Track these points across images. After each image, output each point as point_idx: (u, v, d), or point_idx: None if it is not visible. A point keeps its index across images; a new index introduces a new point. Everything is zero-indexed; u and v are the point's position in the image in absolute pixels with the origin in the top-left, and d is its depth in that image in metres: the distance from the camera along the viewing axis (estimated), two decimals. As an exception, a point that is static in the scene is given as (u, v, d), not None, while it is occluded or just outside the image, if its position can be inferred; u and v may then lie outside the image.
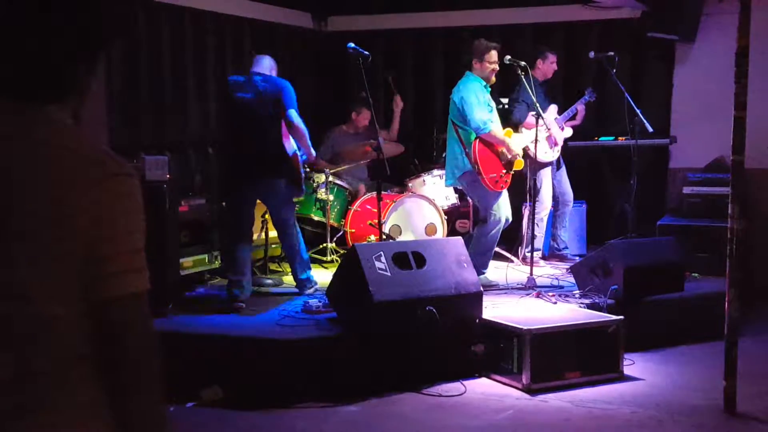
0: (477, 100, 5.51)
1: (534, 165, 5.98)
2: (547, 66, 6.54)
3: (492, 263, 5.91)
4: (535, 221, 6.10)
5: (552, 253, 6.76)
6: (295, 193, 5.32)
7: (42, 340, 1.20)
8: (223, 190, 5.59)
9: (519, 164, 5.78)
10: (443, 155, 6.98)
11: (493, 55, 5.59)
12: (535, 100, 5.69)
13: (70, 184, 1.20)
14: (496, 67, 5.60)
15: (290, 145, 5.15)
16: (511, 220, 5.81)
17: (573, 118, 6.52)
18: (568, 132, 6.54)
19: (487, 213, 5.69)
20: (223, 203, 5.61)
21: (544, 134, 6.12)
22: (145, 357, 1.26)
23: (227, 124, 5.37)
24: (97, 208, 1.20)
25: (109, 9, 1.29)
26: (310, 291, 5.26)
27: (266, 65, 5.22)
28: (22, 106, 1.24)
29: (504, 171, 5.65)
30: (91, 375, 1.24)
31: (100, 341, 1.23)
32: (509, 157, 5.64)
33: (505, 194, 5.70)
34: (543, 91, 6.47)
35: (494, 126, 5.60)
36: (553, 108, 6.43)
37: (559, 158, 6.62)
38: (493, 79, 5.63)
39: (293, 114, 4.98)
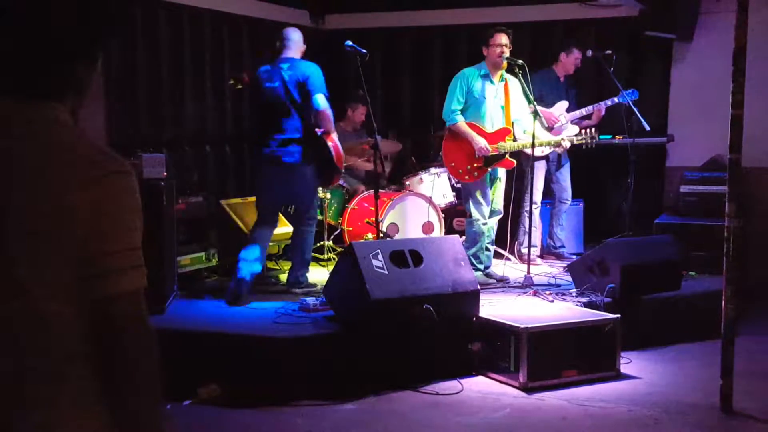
0: (456, 91, 5.68)
1: (527, 159, 6.02)
2: (570, 61, 6.53)
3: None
4: (526, 215, 6.14)
5: (549, 251, 6.77)
6: (322, 182, 5.36)
7: (40, 338, 1.20)
8: (253, 177, 5.63)
9: (507, 164, 5.78)
10: (440, 153, 7.02)
11: (498, 37, 5.66)
12: (532, 98, 5.69)
13: (69, 182, 1.20)
14: (504, 49, 5.64)
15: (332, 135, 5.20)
16: (501, 212, 5.85)
17: (588, 117, 6.44)
18: (573, 129, 6.46)
19: (465, 207, 5.87)
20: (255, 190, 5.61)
21: (543, 130, 6.10)
22: (142, 355, 1.26)
23: (257, 114, 5.41)
24: (95, 206, 1.20)
25: (108, 7, 1.29)
26: (299, 291, 5.23)
27: (294, 42, 5.18)
28: (22, 104, 1.24)
29: (476, 164, 5.69)
30: (89, 373, 1.24)
31: (98, 339, 1.23)
32: (481, 147, 5.65)
33: (483, 190, 5.74)
34: (562, 86, 6.46)
35: (462, 119, 5.69)
36: (562, 105, 6.39)
37: (561, 156, 6.61)
38: (505, 63, 5.66)
39: (317, 99, 4.99)
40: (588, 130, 6.02)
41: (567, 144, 5.98)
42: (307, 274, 5.36)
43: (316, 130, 5.15)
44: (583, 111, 6.37)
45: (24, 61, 1.24)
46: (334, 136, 5.20)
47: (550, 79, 6.50)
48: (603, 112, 6.32)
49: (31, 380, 1.20)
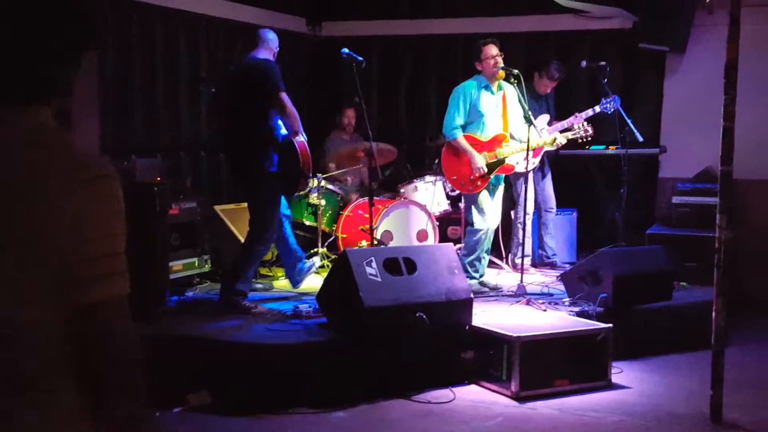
0: (459, 106, 5.68)
1: (515, 173, 6.07)
2: (540, 84, 6.57)
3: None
4: (520, 226, 6.17)
5: (542, 261, 6.79)
6: (286, 190, 5.08)
7: (26, 345, 1.19)
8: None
9: (506, 169, 5.80)
10: (436, 161, 7.03)
11: (490, 49, 5.67)
12: (527, 107, 5.71)
13: (53, 186, 1.19)
14: (498, 60, 5.65)
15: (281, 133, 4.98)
16: (495, 224, 5.86)
17: (569, 129, 6.41)
18: (560, 141, 6.46)
19: (467, 216, 5.89)
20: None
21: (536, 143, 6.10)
22: (126, 361, 1.25)
23: (219, 116, 5.32)
24: (79, 210, 1.19)
25: (89, 10, 1.28)
26: (302, 283, 5.34)
27: (265, 42, 4.97)
28: (6, 108, 1.23)
29: (475, 175, 5.68)
30: (75, 379, 1.23)
31: (82, 345, 1.22)
32: (478, 167, 5.64)
33: (485, 199, 5.74)
34: (537, 102, 6.48)
35: (463, 134, 5.69)
36: (543, 118, 6.43)
37: (544, 167, 6.65)
38: (501, 73, 5.66)
39: (280, 98, 4.76)
40: (581, 124, 6.04)
41: (563, 140, 6.00)
42: (247, 296, 4.93)
43: (281, 133, 4.94)
44: (565, 123, 6.37)
45: (7, 65, 1.23)
46: (301, 137, 4.95)
47: (530, 95, 6.48)
48: (582, 122, 6.34)
49: (17, 387, 1.19)
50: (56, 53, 1.26)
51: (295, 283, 5.35)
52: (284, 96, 4.79)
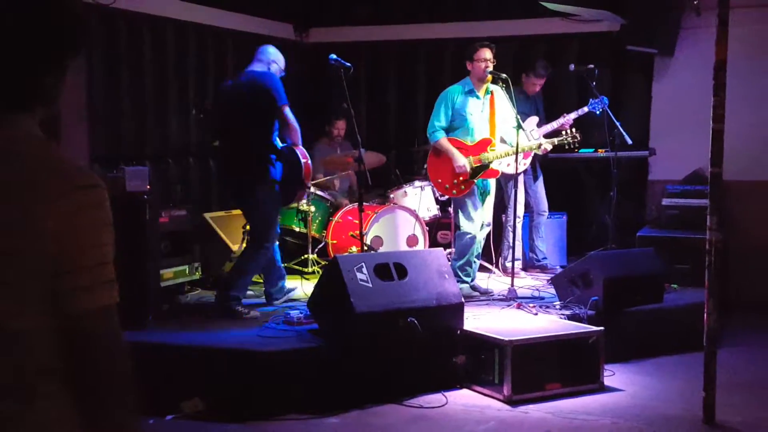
0: (440, 109, 5.73)
1: (506, 175, 6.07)
2: (528, 84, 6.61)
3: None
4: (510, 229, 6.18)
5: (532, 264, 6.80)
6: (284, 200, 5.16)
7: (11, 355, 1.18)
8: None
9: (491, 173, 5.80)
10: (424, 166, 7.04)
11: (483, 52, 5.69)
12: (515, 112, 5.72)
13: (38, 196, 1.18)
14: (489, 64, 5.67)
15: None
16: (486, 227, 5.86)
17: (558, 133, 6.43)
18: (546, 146, 6.48)
19: (455, 219, 5.90)
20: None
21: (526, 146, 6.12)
22: (114, 370, 1.24)
23: (218, 129, 5.37)
24: (64, 220, 1.18)
25: (70, 15, 1.27)
26: (279, 302, 5.29)
27: (265, 55, 5.04)
28: None
29: (462, 178, 5.69)
30: (62, 389, 1.22)
31: (70, 355, 1.21)
32: (460, 165, 5.66)
33: (472, 203, 5.74)
34: (530, 100, 6.50)
35: (449, 138, 5.73)
36: (532, 120, 6.45)
37: (536, 169, 6.67)
38: (489, 77, 5.69)
39: (284, 111, 4.87)
40: (569, 130, 6.07)
41: (549, 146, 6.02)
42: (241, 302, 5.01)
43: (282, 144, 5.03)
44: (554, 124, 6.39)
45: None
46: (302, 149, 5.06)
47: (519, 96, 6.50)
48: (571, 122, 6.36)
49: (2, 397, 1.18)
50: (37, 59, 1.24)
51: (273, 300, 5.34)
52: (287, 109, 4.89)
